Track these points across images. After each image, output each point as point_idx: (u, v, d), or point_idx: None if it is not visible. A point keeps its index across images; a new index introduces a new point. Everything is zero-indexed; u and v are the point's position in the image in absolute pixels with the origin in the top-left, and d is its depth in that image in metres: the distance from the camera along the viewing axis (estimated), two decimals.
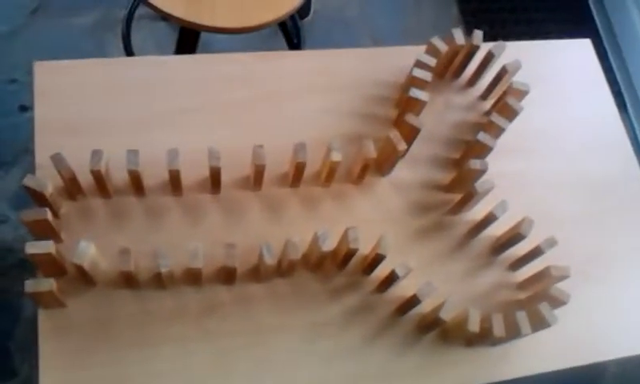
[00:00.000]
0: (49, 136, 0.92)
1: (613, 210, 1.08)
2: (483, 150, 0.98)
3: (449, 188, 1.02)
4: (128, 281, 0.84)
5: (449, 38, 1.05)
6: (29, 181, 0.81)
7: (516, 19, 2.41)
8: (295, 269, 0.90)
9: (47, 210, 0.80)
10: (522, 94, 1.04)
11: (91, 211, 0.90)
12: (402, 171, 1.02)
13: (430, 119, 1.06)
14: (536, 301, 0.90)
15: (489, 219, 0.94)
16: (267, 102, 1.03)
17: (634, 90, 2.37)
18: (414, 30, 2.26)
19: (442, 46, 1.04)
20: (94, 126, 0.95)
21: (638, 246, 1.07)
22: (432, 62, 1.01)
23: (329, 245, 0.84)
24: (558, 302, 0.88)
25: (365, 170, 0.96)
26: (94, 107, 0.96)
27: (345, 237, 0.86)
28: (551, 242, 0.91)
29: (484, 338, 0.88)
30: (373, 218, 0.98)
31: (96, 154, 0.84)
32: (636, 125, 2.35)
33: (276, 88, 1.04)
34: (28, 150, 1.76)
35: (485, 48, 1.06)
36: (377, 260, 0.87)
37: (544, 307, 0.86)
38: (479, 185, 0.93)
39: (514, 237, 0.93)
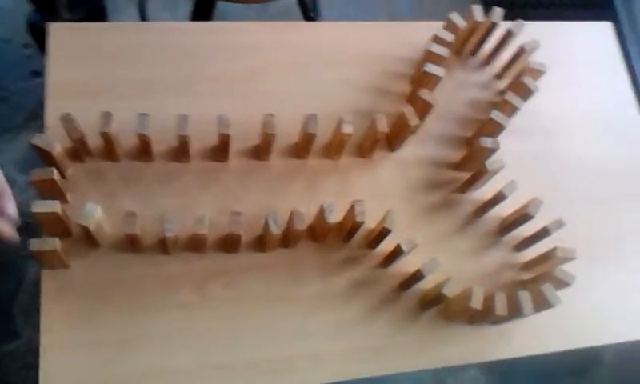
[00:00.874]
0: (60, 98, 0.92)
1: (623, 196, 1.07)
2: (495, 129, 0.97)
3: (458, 166, 1.01)
4: (133, 244, 0.84)
5: (468, 15, 1.04)
6: (37, 140, 0.81)
7: (536, 3, 2.38)
8: (300, 240, 0.90)
9: (54, 169, 0.80)
10: (538, 73, 1.02)
11: (99, 174, 0.90)
12: (412, 148, 1.01)
13: (444, 96, 1.05)
14: (540, 281, 0.90)
15: (497, 198, 0.93)
16: (279, 73, 1.02)
17: None
18: (431, 8, 2.23)
19: (461, 22, 1.03)
20: (106, 89, 0.95)
21: None
22: (449, 37, 1.00)
23: (335, 217, 0.83)
24: (562, 284, 0.88)
25: (375, 144, 0.95)
26: (107, 71, 0.96)
27: (351, 210, 0.85)
28: (559, 224, 0.91)
29: (486, 316, 0.88)
30: (380, 192, 0.97)
31: (105, 117, 0.83)
32: None
33: (289, 59, 1.03)
34: (37, 116, 1.76)
35: (503, 26, 1.05)
36: (382, 234, 0.87)
37: (547, 288, 0.85)
38: (489, 163, 0.92)
39: (521, 217, 0.92)
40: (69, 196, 0.87)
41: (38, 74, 1.85)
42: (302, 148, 0.94)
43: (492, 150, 0.94)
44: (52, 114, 0.90)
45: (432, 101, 0.94)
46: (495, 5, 1.07)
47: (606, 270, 1.01)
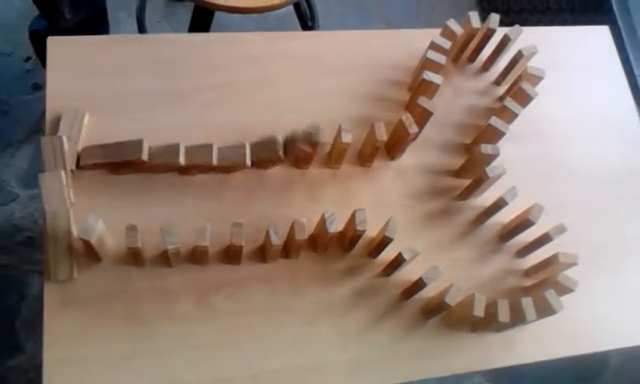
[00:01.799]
0: (59, 112, 0.92)
1: (624, 200, 1.07)
2: (495, 135, 0.97)
3: (459, 173, 1.01)
4: (135, 257, 0.84)
5: (465, 22, 1.04)
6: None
7: (532, 7, 2.39)
8: (301, 250, 0.90)
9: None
10: (536, 79, 1.03)
11: (102, 186, 0.90)
12: (412, 155, 1.01)
13: (443, 103, 1.05)
14: (543, 287, 0.90)
15: (498, 205, 0.93)
16: (278, 83, 1.02)
17: None
18: (428, 15, 2.24)
19: (458, 29, 1.03)
20: (105, 102, 0.95)
21: None
22: (447, 44, 1.00)
23: (335, 227, 0.83)
24: (564, 289, 0.87)
25: (374, 152, 0.95)
26: (106, 83, 0.96)
27: (352, 219, 0.85)
28: (560, 229, 0.91)
29: (488, 323, 0.88)
30: (381, 201, 0.97)
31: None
32: None
33: (288, 68, 1.04)
34: (39, 130, 1.76)
35: (500, 32, 1.05)
36: (384, 243, 0.87)
37: (550, 294, 0.85)
38: (490, 170, 0.92)
39: (522, 223, 0.92)
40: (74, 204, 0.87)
41: (39, 87, 1.85)
42: (302, 160, 0.94)
43: (492, 157, 0.94)
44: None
45: (431, 108, 0.94)
46: (492, 10, 1.07)
47: (608, 275, 1.01)
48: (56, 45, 0.97)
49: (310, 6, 1.78)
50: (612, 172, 1.09)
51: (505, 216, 0.96)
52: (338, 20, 2.16)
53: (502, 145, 0.96)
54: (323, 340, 0.88)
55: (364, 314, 0.90)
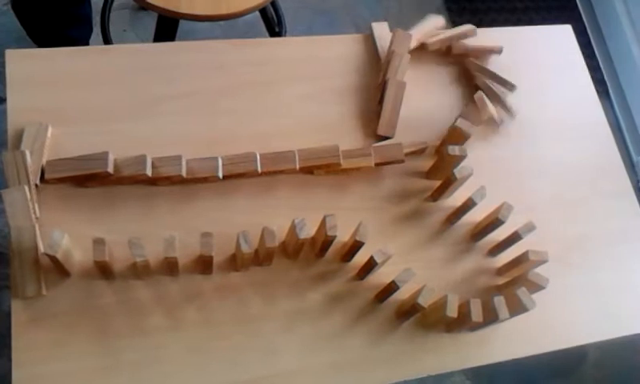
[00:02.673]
0: (22, 126, 0.90)
1: (591, 196, 1.08)
2: (462, 137, 0.98)
3: (428, 175, 1.01)
4: (103, 271, 0.83)
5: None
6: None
7: (499, 7, 2.41)
8: (274, 257, 0.89)
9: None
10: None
11: (69, 199, 0.88)
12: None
13: (414, 106, 1.05)
14: (515, 286, 0.90)
15: (467, 205, 0.94)
16: (245, 91, 1.01)
17: (616, 77, 2.38)
18: (396, 17, 2.25)
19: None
20: (70, 114, 0.93)
21: (616, 230, 1.07)
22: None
23: (306, 233, 0.83)
24: (536, 287, 0.88)
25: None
26: (70, 96, 0.94)
27: (323, 224, 0.85)
28: (530, 227, 0.91)
29: (463, 323, 0.88)
30: (352, 205, 0.97)
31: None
32: (618, 111, 2.36)
33: (255, 76, 1.03)
34: (3, 143, 1.72)
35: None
36: (355, 247, 0.86)
37: (522, 292, 0.85)
38: (458, 171, 0.92)
39: (492, 222, 0.92)
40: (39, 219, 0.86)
41: (3, 100, 1.82)
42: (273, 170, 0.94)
43: (460, 158, 0.94)
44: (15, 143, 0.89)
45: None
46: (460, 11, 1.08)
47: (579, 271, 1.02)
48: (16, 58, 0.95)
49: (277, 12, 1.77)
50: (577, 169, 1.10)
51: (476, 216, 0.96)
52: (306, 25, 2.17)
53: (472, 145, 0.97)
54: (298, 346, 0.87)
55: (339, 319, 0.90)
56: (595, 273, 1.02)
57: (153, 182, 0.90)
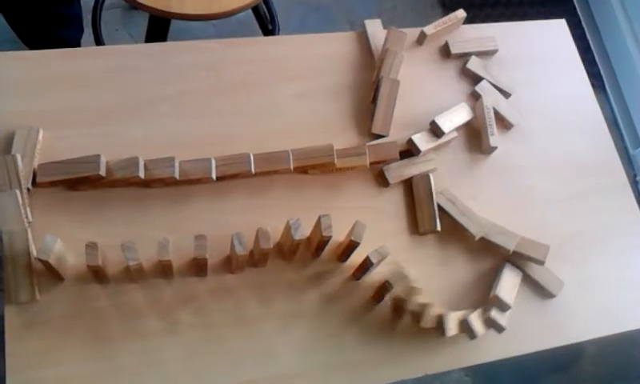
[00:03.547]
0: (12, 130, 0.89)
1: (588, 191, 1.08)
2: None
3: None
4: (97, 275, 0.82)
5: None
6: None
7: (494, 1, 2.41)
8: (269, 258, 0.88)
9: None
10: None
11: (63, 202, 0.87)
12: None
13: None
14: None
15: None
16: (238, 90, 1.01)
17: (611, 71, 2.38)
18: (390, 14, 2.24)
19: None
20: (61, 117, 0.92)
21: (613, 225, 1.06)
22: None
23: (301, 233, 0.82)
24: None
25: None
26: (61, 99, 0.94)
27: (318, 224, 0.84)
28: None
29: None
30: (347, 204, 0.96)
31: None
32: (614, 105, 2.36)
33: (248, 76, 1.02)
34: None
35: None
36: (351, 247, 0.86)
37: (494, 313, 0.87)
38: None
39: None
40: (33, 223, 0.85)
41: None
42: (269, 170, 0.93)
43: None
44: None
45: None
46: (454, 6, 1.08)
47: (576, 267, 1.01)
48: (5, 60, 0.94)
49: (270, 9, 1.76)
50: (576, 164, 1.10)
51: (483, 213, 0.96)
52: (299, 21, 2.15)
53: (468, 141, 0.96)
54: (295, 347, 0.87)
55: (335, 319, 0.89)
56: (592, 269, 1.02)
57: (146, 184, 0.89)
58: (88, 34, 1.74)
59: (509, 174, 1.05)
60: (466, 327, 0.86)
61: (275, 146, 0.92)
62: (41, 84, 0.94)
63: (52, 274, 0.81)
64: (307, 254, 0.91)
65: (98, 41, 1.67)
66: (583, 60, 1.21)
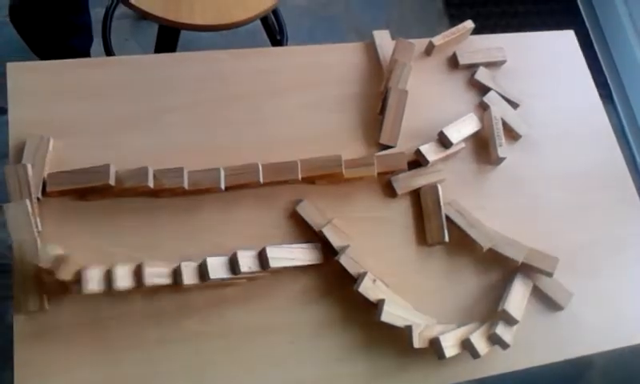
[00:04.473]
0: (23, 139, 0.89)
1: (596, 202, 1.08)
2: None
3: None
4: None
5: None
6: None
7: (501, 12, 2.41)
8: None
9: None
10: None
11: (70, 213, 0.88)
12: None
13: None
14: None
15: None
16: (247, 101, 1.01)
17: (619, 81, 2.37)
18: (398, 24, 2.25)
19: None
20: (71, 127, 0.93)
21: (621, 237, 1.06)
22: None
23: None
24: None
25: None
26: (71, 108, 0.94)
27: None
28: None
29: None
30: (355, 215, 0.96)
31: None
32: (622, 115, 2.35)
33: (257, 86, 1.02)
34: (6, 154, 1.72)
35: None
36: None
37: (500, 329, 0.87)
38: None
39: None
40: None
41: (5, 111, 1.82)
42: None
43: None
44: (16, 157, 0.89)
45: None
46: (461, 16, 1.08)
47: (586, 279, 1.01)
48: (17, 70, 0.95)
49: (278, 20, 1.77)
50: (584, 176, 1.09)
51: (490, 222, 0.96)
52: (307, 31, 2.16)
53: (476, 152, 0.96)
54: (303, 358, 0.87)
55: (344, 330, 0.89)
56: (601, 280, 1.01)
57: (155, 194, 0.89)
58: (98, 43, 1.76)
59: (517, 184, 1.05)
60: (467, 346, 0.86)
61: (283, 156, 0.93)
62: (52, 94, 0.94)
63: (60, 283, 0.82)
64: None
65: (108, 51, 1.68)
66: (590, 69, 1.21)
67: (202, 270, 0.82)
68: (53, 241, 0.84)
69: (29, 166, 0.85)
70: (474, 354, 0.86)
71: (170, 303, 0.85)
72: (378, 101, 1.05)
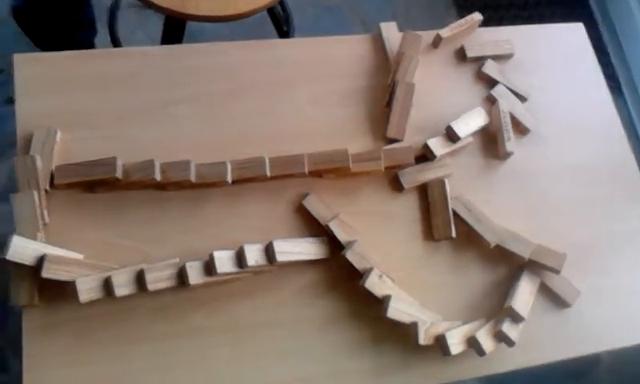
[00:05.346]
0: (31, 130, 0.90)
1: (607, 197, 1.07)
2: None
3: None
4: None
5: None
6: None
7: (509, 3, 2.39)
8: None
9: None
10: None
11: (77, 205, 0.88)
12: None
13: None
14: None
15: None
16: (254, 93, 1.00)
17: (629, 73, 2.35)
18: (405, 16, 2.23)
19: None
20: (79, 119, 0.93)
21: (630, 232, 1.05)
22: None
23: None
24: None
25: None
26: (78, 100, 0.94)
27: None
28: None
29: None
30: (362, 209, 0.96)
31: None
32: (631, 107, 2.34)
33: (264, 78, 1.02)
34: (14, 144, 1.73)
35: None
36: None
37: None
38: None
39: None
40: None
41: (13, 100, 1.82)
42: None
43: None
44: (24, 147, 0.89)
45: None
46: (469, 7, 1.07)
47: (595, 276, 1.00)
48: (24, 62, 0.95)
49: (285, 11, 1.76)
50: (592, 170, 1.09)
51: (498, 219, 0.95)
52: (312, 22, 2.15)
53: (483, 146, 0.96)
54: (309, 353, 0.87)
55: (349, 326, 0.89)
56: (608, 277, 1.01)
57: (162, 186, 0.89)
58: (104, 34, 1.75)
59: (525, 179, 1.04)
60: (473, 344, 0.86)
61: (290, 149, 0.92)
62: (59, 85, 0.94)
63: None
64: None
65: (115, 42, 1.68)
66: (599, 62, 1.20)
67: (210, 264, 0.82)
68: (60, 232, 0.84)
69: (38, 158, 0.85)
70: (480, 352, 0.86)
71: (175, 298, 0.85)
72: (384, 94, 1.05)
